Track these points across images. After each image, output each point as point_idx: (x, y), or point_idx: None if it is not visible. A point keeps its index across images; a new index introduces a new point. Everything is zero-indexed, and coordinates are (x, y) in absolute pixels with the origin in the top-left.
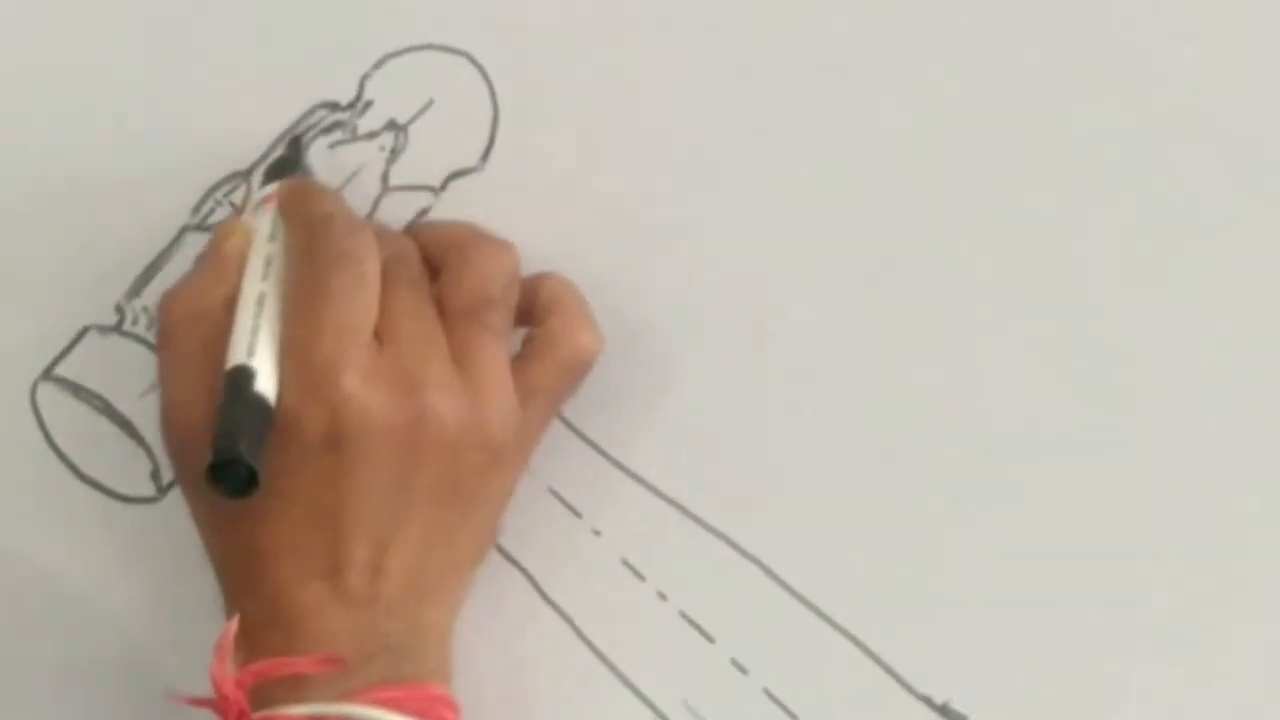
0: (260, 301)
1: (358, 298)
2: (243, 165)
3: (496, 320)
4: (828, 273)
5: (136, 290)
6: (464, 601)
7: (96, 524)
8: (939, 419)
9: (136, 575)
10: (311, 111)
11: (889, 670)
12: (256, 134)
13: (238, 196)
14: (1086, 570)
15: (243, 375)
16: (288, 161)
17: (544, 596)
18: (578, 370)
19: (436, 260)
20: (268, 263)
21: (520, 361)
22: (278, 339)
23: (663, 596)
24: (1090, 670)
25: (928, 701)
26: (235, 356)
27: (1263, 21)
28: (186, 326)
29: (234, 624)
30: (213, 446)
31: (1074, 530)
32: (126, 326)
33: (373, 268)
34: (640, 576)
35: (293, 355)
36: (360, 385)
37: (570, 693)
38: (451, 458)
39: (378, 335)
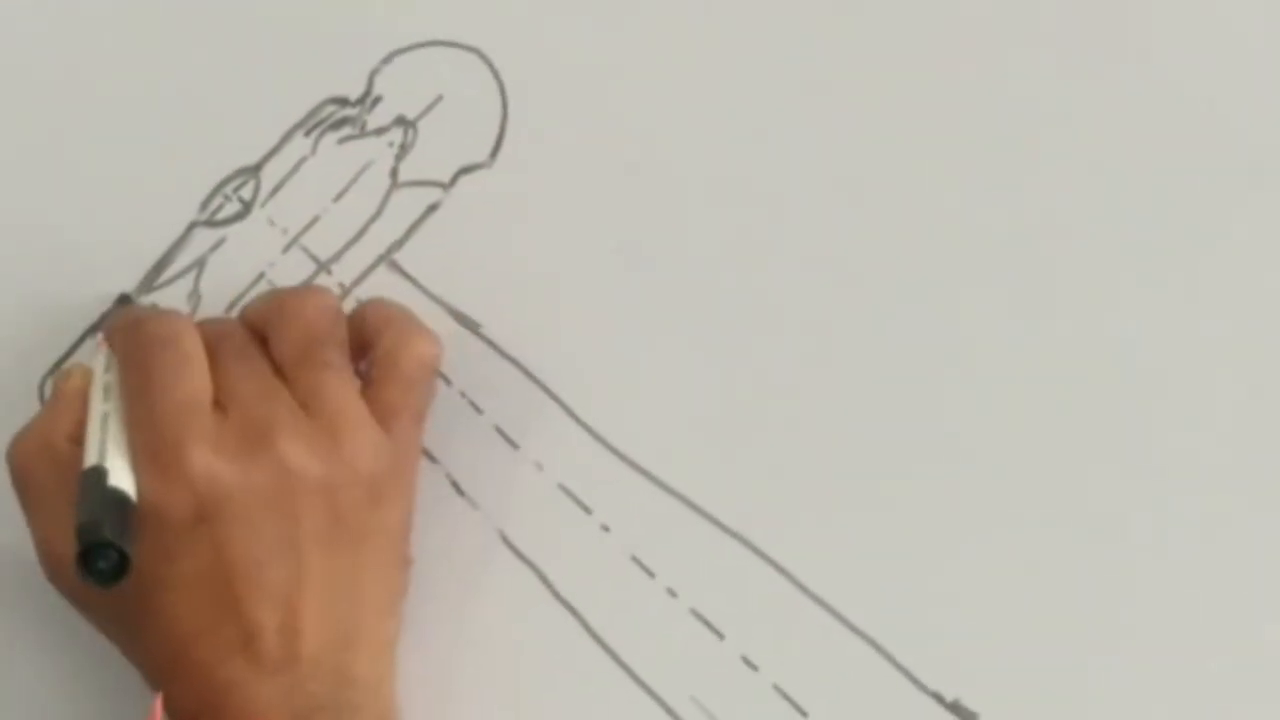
0: (104, 418)
1: (185, 375)
2: (251, 161)
3: (330, 357)
4: (841, 268)
5: (145, 286)
6: (394, 644)
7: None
8: (951, 416)
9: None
10: (320, 107)
11: (899, 666)
12: (265, 129)
13: (246, 192)
14: (1096, 568)
15: (96, 474)
16: (118, 313)
17: (553, 593)
18: (424, 379)
19: (261, 330)
20: (106, 389)
21: (368, 389)
22: (125, 444)
23: (672, 593)
24: (1099, 667)
25: (937, 698)
26: (87, 463)
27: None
28: (37, 463)
29: (158, 703)
30: (77, 535)
31: (1084, 528)
32: None
33: (192, 344)
34: (650, 573)
35: (139, 445)
36: (210, 455)
37: (580, 689)
38: (327, 501)
39: (219, 406)
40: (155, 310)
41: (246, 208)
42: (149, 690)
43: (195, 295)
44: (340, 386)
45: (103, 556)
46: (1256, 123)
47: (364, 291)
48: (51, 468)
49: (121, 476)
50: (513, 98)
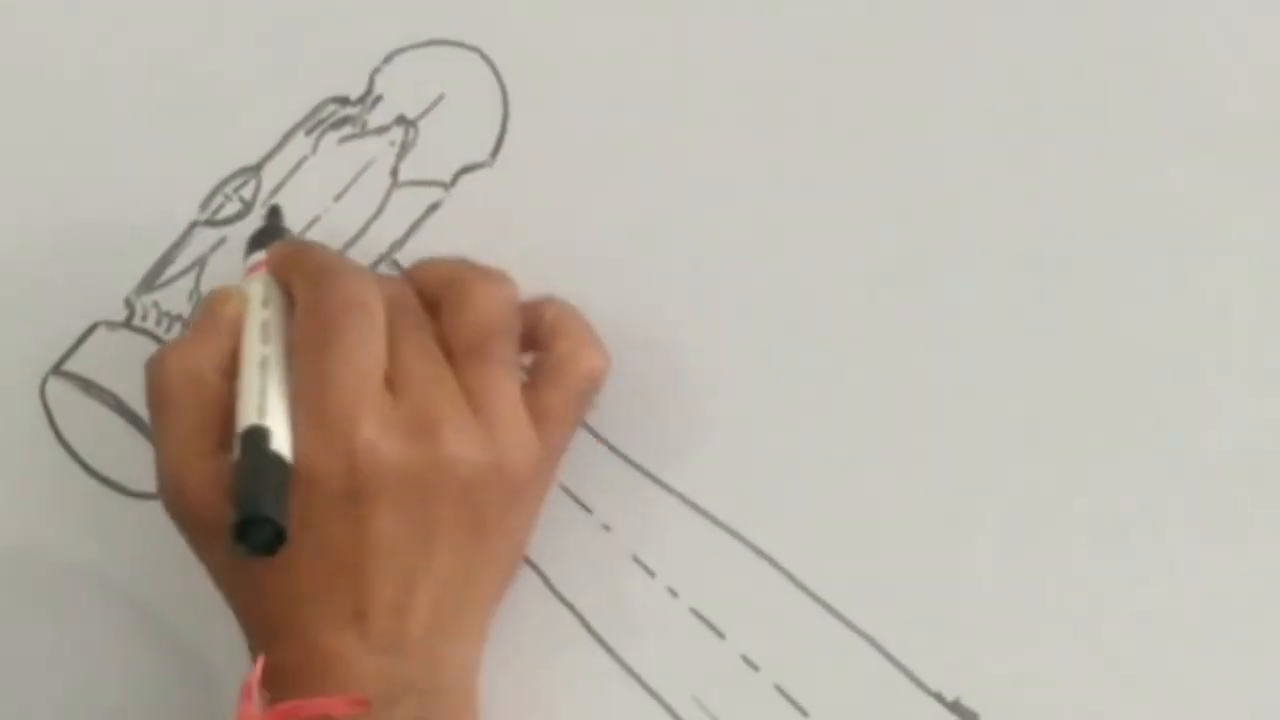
0: (264, 365)
1: (369, 346)
2: (252, 160)
3: (503, 353)
4: (840, 266)
5: (146, 286)
6: (488, 632)
7: (106, 519)
8: (951, 416)
9: (148, 571)
10: (321, 106)
11: (900, 666)
12: (266, 129)
13: (247, 191)
14: (1098, 568)
15: (259, 434)
16: (270, 230)
17: (554, 592)
18: (589, 393)
19: (433, 300)
20: (264, 328)
21: (531, 390)
22: (286, 399)
23: (673, 593)
24: (1100, 667)
25: (938, 698)
26: (247, 418)
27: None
28: (182, 388)
29: (260, 664)
30: (237, 505)
31: (1087, 529)
32: (136, 322)
33: (380, 315)
34: (651, 573)
35: (306, 408)
36: (378, 434)
37: (580, 689)
38: (473, 498)
39: (389, 382)
40: (338, 258)
41: (247, 207)
42: (244, 656)
43: (196, 294)
44: (506, 384)
45: (258, 530)
46: (1258, 120)
47: None
48: (194, 397)
49: (280, 436)
50: (514, 97)
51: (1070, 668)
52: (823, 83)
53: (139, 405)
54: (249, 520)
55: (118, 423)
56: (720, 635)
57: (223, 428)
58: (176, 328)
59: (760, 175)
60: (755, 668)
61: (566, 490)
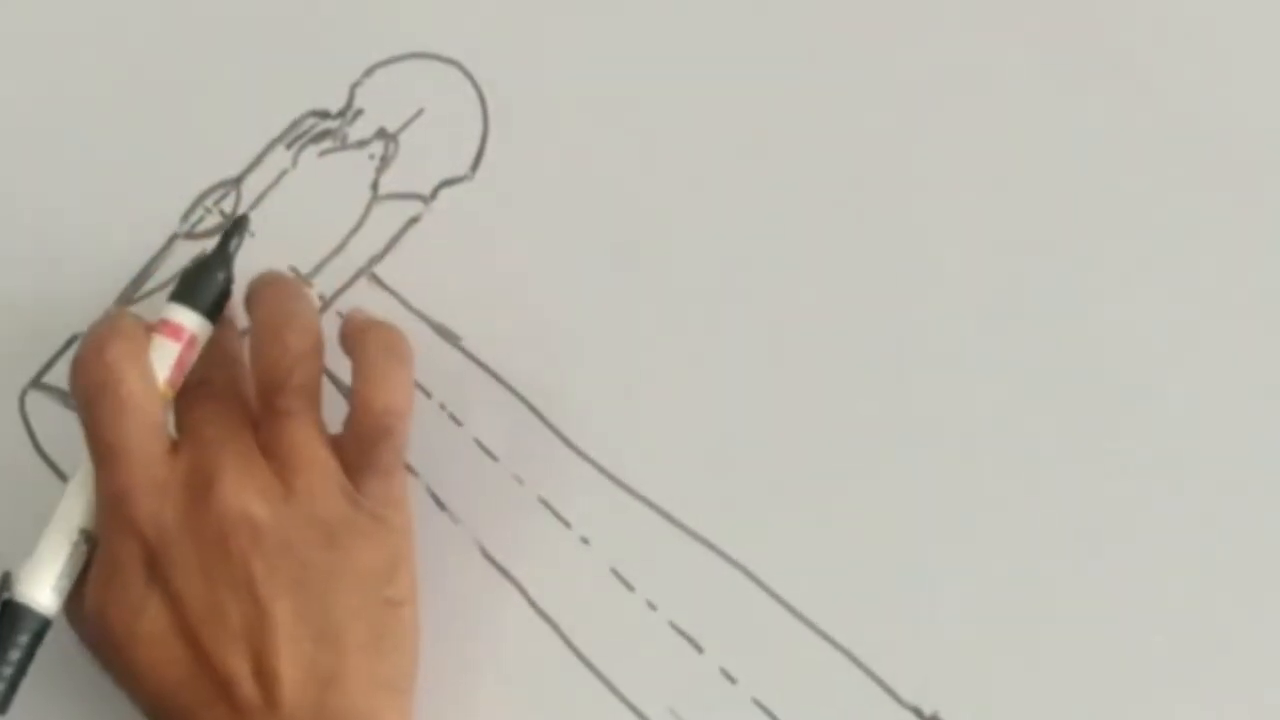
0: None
1: (121, 422)
2: (233, 173)
3: (290, 403)
4: (822, 280)
5: (126, 298)
6: (396, 684)
7: None
8: (929, 428)
9: None
10: (302, 119)
11: (878, 680)
12: (247, 142)
13: (227, 204)
14: (1077, 583)
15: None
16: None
17: (533, 605)
18: (383, 437)
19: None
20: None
21: (339, 435)
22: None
23: (652, 606)
24: (1079, 682)
25: (917, 712)
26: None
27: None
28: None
29: None
30: None
31: (1065, 544)
32: None
33: (132, 386)
34: (629, 586)
35: (97, 495)
36: (155, 501)
37: (559, 702)
38: (280, 543)
39: (176, 449)
40: (94, 339)
41: (228, 220)
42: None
43: None
44: (298, 433)
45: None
46: (1244, 128)
47: (344, 303)
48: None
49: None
50: (494, 111)
51: (1046, 681)
52: (809, 94)
53: None
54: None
55: None
56: (699, 648)
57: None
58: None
59: (740, 188)
60: (733, 681)
61: (545, 504)
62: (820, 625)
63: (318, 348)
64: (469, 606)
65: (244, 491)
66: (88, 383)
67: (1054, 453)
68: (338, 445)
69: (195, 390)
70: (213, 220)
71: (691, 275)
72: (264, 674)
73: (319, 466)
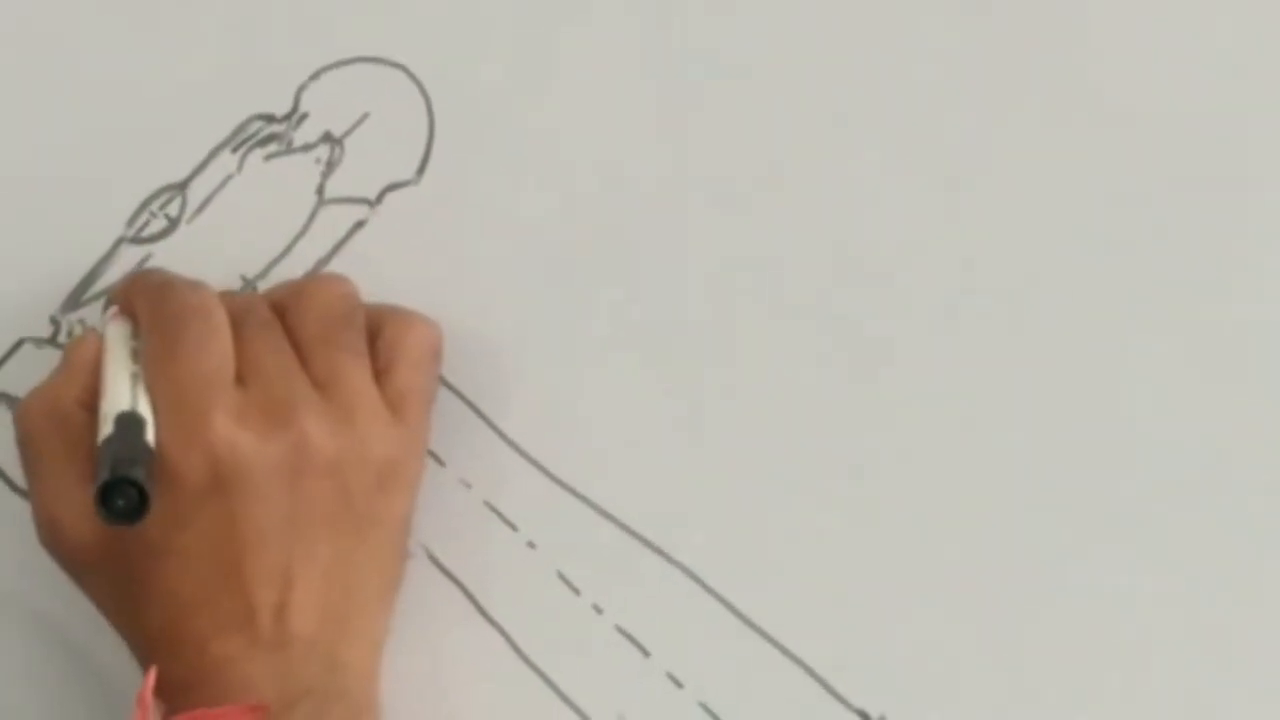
0: (134, 377)
1: (212, 345)
2: (178, 177)
3: (350, 339)
4: (766, 283)
5: (72, 303)
6: (385, 638)
7: (32, 535)
8: (881, 431)
9: (69, 587)
10: (247, 123)
11: (824, 684)
12: (192, 146)
13: (173, 209)
14: (1026, 587)
15: (132, 419)
16: None
17: (478, 609)
18: (431, 362)
19: (278, 307)
20: (135, 353)
21: (377, 378)
22: (148, 407)
23: (598, 610)
24: (1027, 686)
25: (863, 715)
26: (120, 406)
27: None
28: (45, 425)
29: (152, 675)
30: (108, 468)
31: (1016, 548)
32: (61, 339)
33: (220, 318)
34: (575, 590)
35: (162, 409)
36: (232, 424)
37: (504, 706)
38: (338, 482)
39: (240, 379)
40: (172, 274)
41: (173, 224)
42: (138, 667)
43: None
44: (358, 370)
45: (124, 494)
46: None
47: None
48: (59, 432)
49: (149, 432)
50: (439, 115)
51: (994, 684)
52: (758, 90)
53: None
54: (117, 482)
55: None
56: (645, 653)
57: (90, 461)
58: None
59: (690, 190)
60: (680, 685)
61: (492, 508)
62: (767, 629)
63: (360, 300)
64: (415, 610)
65: (319, 426)
66: (182, 306)
67: (1011, 458)
68: (377, 384)
69: (246, 320)
70: (158, 224)
71: (639, 278)
72: (285, 610)
73: (379, 409)
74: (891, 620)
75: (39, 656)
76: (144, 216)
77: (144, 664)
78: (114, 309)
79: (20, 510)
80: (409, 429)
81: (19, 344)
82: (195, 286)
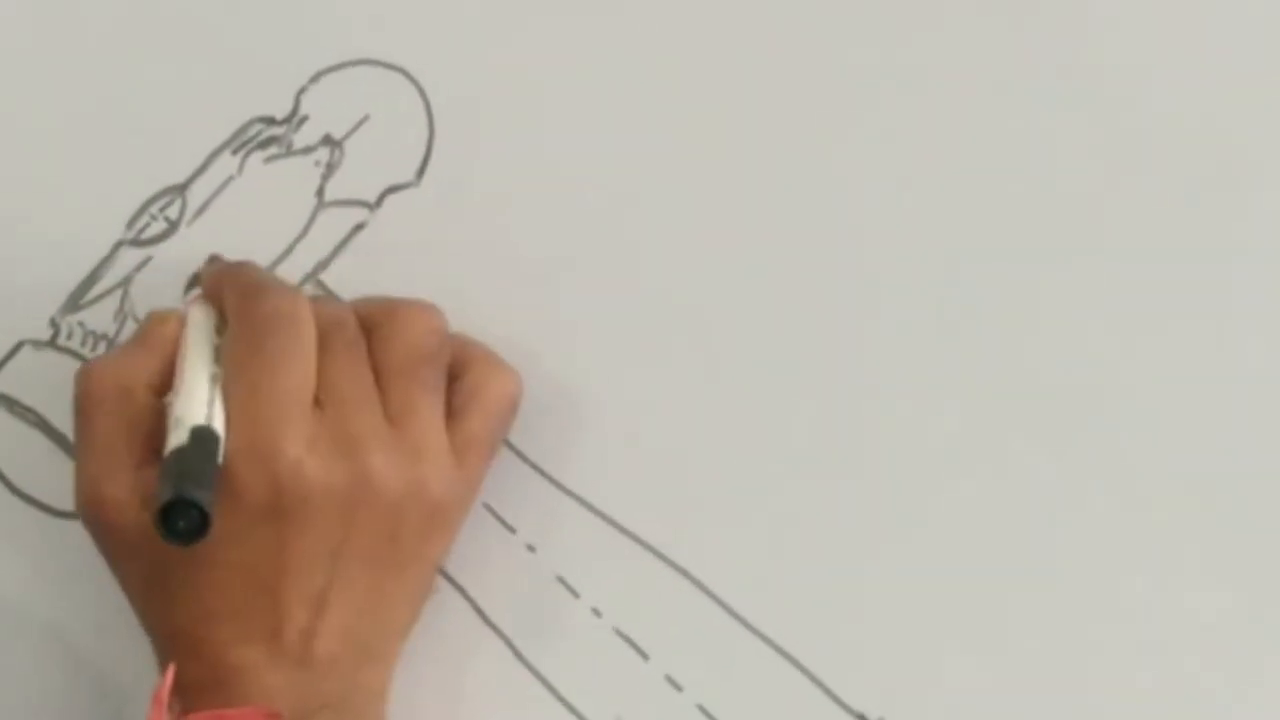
0: (214, 379)
1: (296, 362)
2: (178, 180)
3: (430, 377)
4: (762, 289)
5: (71, 305)
6: (396, 661)
7: (29, 539)
8: (876, 436)
9: (70, 591)
10: (247, 125)
11: (823, 687)
12: (193, 149)
13: (173, 211)
14: (1024, 591)
15: (209, 437)
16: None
17: (477, 611)
18: (506, 416)
19: (368, 324)
20: (216, 350)
21: (449, 419)
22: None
23: (597, 613)
24: (1024, 689)
25: (861, 718)
26: (195, 418)
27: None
28: (111, 399)
29: (170, 674)
30: (174, 486)
31: (1014, 552)
32: (61, 341)
33: (309, 332)
34: (574, 593)
35: (235, 422)
36: (304, 452)
37: (503, 708)
38: (393, 519)
39: (318, 401)
40: (268, 275)
41: (173, 226)
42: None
43: (122, 314)
44: (432, 409)
45: (186, 515)
46: (1221, 134)
47: None
48: (122, 408)
49: (219, 453)
50: (439, 118)
51: (991, 688)
52: (755, 101)
53: (63, 425)
54: (177, 503)
55: (42, 442)
56: (644, 655)
57: (147, 443)
58: (102, 347)
59: (688, 195)
60: (679, 688)
61: (491, 510)
62: (766, 632)
63: (449, 336)
64: None
65: (385, 463)
66: (274, 312)
67: (1005, 461)
68: (447, 426)
69: (333, 336)
70: (158, 226)
71: (637, 282)
72: (314, 633)
73: (444, 450)
74: (891, 623)
75: (38, 662)
76: (144, 219)
77: (160, 655)
78: (197, 292)
79: (20, 514)
80: (467, 475)
81: (18, 346)
82: (288, 292)
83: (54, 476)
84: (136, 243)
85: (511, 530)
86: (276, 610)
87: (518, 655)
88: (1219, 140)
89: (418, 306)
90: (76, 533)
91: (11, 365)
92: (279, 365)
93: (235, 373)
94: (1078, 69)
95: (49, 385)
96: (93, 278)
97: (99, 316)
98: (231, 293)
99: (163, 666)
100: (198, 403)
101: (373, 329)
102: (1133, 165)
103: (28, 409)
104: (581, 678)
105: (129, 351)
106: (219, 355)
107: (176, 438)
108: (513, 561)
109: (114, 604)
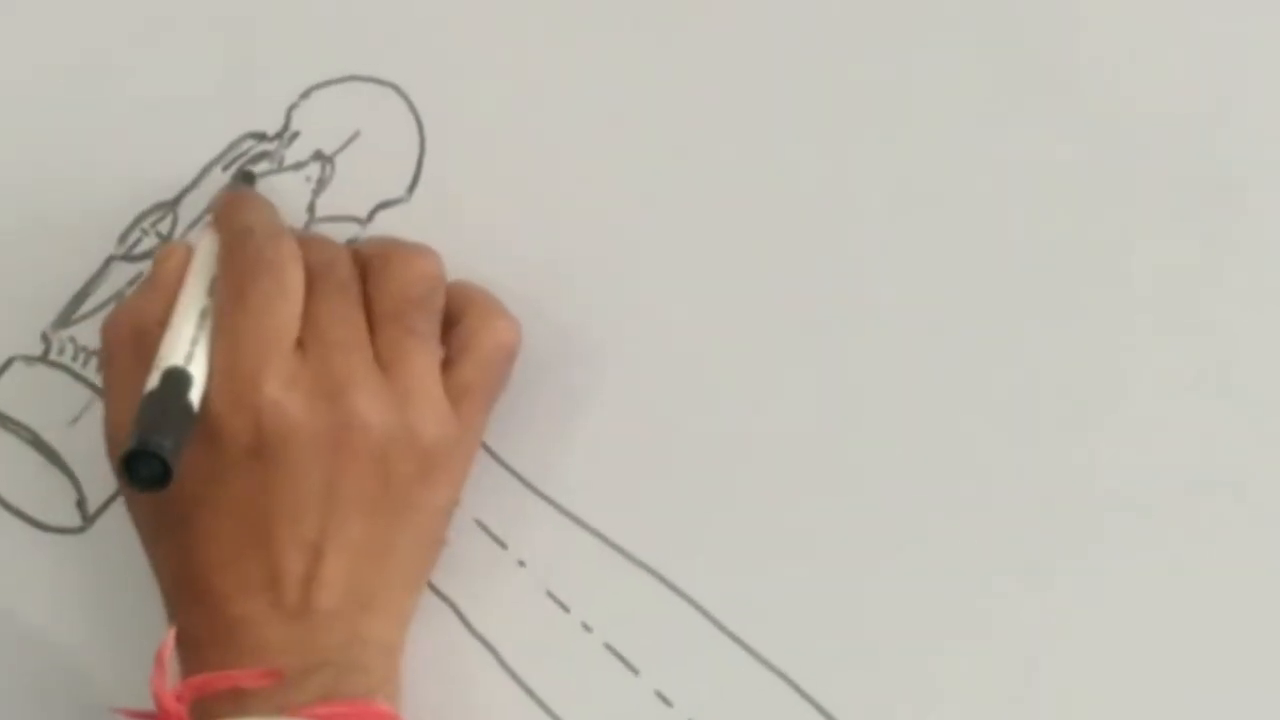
0: (203, 314)
1: (277, 307)
2: (170, 195)
3: (421, 324)
4: (752, 303)
5: (63, 320)
6: (411, 617)
7: (20, 554)
8: (871, 450)
9: (61, 606)
10: (238, 142)
11: (813, 703)
12: (184, 164)
13: (164, 226)
14: (1019, 611)
15: (179, 376)
16: (241, 182)
17: (468, 627)
18: (502, 363)
19: (364, 270)
20: (212, 280)
21: (445, 365)
22: (205, 350)
23: (587, 628)
24: (1019, 709)
25: None
26: (171, 358)
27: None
28: (125, 341)
29: (171, 635)
30: (133, 435)
31: (1007, 572)
32: (53, 356)
33: (293, 276)
34: (565, 608)
35: (216, 365)
36: (282, 392)
37: None
38: (380, 464)
39: (302, 342)
40: (262, 211)
41: (164, 242)
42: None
43: None
44: (422, 355)
45: (146, 464)
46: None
47: None
48: (134, 349)
49: (196, 390)
50: (430, 133)
51: (988, 708)
52: (748, 114)
53: (55, 440)
54: (139, 453)
55: (33, 457)
56: (634, 671)
57: None
58: (93, 362)
59: (676, 207)
60: (669, 704)
61: (481, 525)
62: (756, 647)
63: (444, 282)
64: None
65: (368, 405)
66: (257, 260)
67: (1005, 468)
68: (442, 373)
69: (323, 279)
70: (150, 242)
71: (627, 297)
72: (311, 583)
73: (436, 397)
74: (882, 640)
75: (28, 678)
76: (136, 234)
77: (169, 609)
78: (210, 218)
79: (12, 529)
80: (463, 423)
81: (9, 361)
82: (275, 237)
83: (45, 492)
84: (128, 258)
85: (502, 545)
86: (271, 557)
87: (507, 670)
88: (1216, 142)
89: (413, 250)
90: (68, 548)
91: (3, 380)
92: (260, 309)
93: (219, 318)
94: (1073, 73)
95: (40, 400)
96: (84, 293)
97: (90, 332)
98: (223, 233)
99: (171, 618)
100: (182, 341)
101: (367, 270)
102: (1131, 166)
103: (19, 424)
104: (571, 693)
105: (141, 292)
106: (213, 289)
107: (151, 380)
108: (503, 576)
109: (105, 619)
